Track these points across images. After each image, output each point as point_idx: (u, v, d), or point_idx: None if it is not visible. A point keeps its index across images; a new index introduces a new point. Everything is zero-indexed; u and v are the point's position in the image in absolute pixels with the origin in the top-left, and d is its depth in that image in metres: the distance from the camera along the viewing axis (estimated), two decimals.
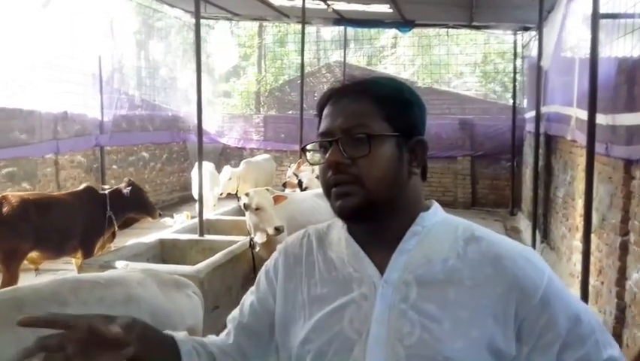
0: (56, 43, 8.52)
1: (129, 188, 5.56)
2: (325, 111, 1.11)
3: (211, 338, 1.26)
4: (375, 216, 1.07)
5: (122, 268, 4.36)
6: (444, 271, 1.04)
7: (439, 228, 1.09)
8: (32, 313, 1.99)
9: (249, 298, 1.25)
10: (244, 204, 4.89)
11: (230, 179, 8.55)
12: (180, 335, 1.17)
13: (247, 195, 4.96)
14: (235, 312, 1.26)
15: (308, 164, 1.24)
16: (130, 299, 2.31)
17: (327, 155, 1.06)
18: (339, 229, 1.17)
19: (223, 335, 1.26)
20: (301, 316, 1.11)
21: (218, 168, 9.26)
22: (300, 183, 7.02)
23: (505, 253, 1.05)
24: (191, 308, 2.54)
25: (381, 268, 1.06)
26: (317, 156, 1.12)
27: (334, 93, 1.12)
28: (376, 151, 1.05)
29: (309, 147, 1.17)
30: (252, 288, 1.26)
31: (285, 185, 7.46)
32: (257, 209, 4.83)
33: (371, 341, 1.02)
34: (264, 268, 1.24)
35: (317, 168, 1.22)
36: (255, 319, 1.21)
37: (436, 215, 1.11)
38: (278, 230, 4.73)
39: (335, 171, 1.05)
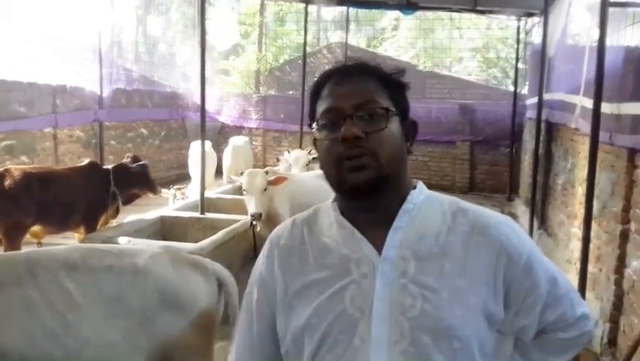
0: (56, 15, 8.42)
1: (137, 164, 5.55)
2: (326, 91, 1.13)
3: None
4: (382, 192, 1.09)
5: (125, 244, 4.38)
6: (438, 244, 1.09)
7: (426, 204, 1.14)
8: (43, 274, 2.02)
9: (250, 333, 1.22)
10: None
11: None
12: None
13: (241, 174, 4.98)
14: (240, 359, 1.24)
15: (314, 143, 1.24)
16: (137, 271, 2.30)
17: (343, 129, 1.07)
18: (327, 213, 1.18)
19: None
20: (300, 303, 1.12)
21: (216, 147, 9.25)
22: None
23: (491, 222, 1.12)
24: (207, 290, 2.45)
25: (377, 247, 1.09)
26: (324, 133, 1.12)
27: (336, 73, 1.14)
28: (390, 126, 1.09)
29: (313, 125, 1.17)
30: (247, 318, 1.23)
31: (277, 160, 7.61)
32: (244, 191, 4.86)
33: (375, 316, 1.05)
34: (255, 276, 1.22)
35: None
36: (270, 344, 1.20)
37: (421, 193, 1.16)
38: (253, 217, 4.72)
39: (349, 145, 1.06)
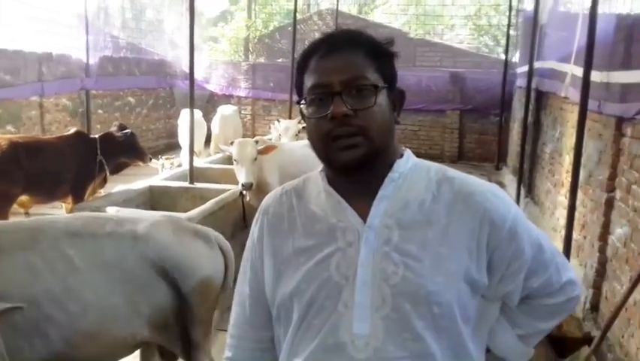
0: None
1: (123, 132, 5.50)
2: (313, 65, 1.11)
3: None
4: (372, 166, 1.11)
5: (114, 213, 4.36)
6: (421, 212, 1.10)
7: (413, 173, 1.14)
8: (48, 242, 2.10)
9: (242, 294, 1.26)
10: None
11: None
12: None
13: (231, 144, 4.96)
14: (236, 317, 1.28)
15: (301, 118, 1.23)
16: (138, 237, 2.34)
17: (332, 107, 1.07)
18: (316, 182, 1.20)
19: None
20: (289, 268, 1.14)
21: (205, 116, 9.17)
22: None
23: (476, 189, 1.12)
24: (209, 258, 2.49)
25: (363, 215, 1.11)
26: (311, 110, 1.12)
27: (323, 45, 1.12)
28: (379, 101, 1.09)
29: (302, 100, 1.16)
30: (241, 281, 1.27)
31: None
32: (235, 160, 4.84)
33: (358, 283, 1.07)
34: (249, 244, 1.26)
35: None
36: (259, 306, 1.23)
37: (408, 161, 1.16)
38: (243, 186, 4.73)
39: (339, 123, 1.06)
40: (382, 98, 1.10)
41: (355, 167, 1.09)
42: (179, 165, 6.83)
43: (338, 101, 1.06)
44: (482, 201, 1.11)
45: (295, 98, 1.25)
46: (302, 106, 1.14)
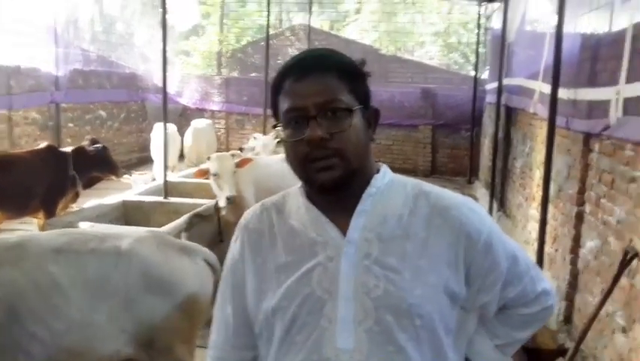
0: None
1: (95, 146, 5.42)
2: (288, 87, 1.13)
3: None
4: (349, 185, 1.13)
5: (97, 229, 4.29)
6: (400, 226, 1.12)
7: (390, 188, 1.17)
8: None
9: (224, 314, 1.25)
10: (208, 168, 4.88)
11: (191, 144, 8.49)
12: None
13: (208, 159, 4.95)
14: (217, 338, 1.26)
15: (277, 138, 1.25)
16: (121, 253, 2.32)
17: (308, 131, 1.08)
18: (296, 198, 1.21)
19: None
20: (271, 285, 1.15)
21: (179, 130, 9.10)
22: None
23: (451, 204, 1.15)
24: (194, 274, 2.47)
25: (342, 230, 1.13)
26: (287, 132, 1.13)
27: (296, 69, 1.13)
28: (354, 123, 1.11)
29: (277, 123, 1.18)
30: (221, 300, 1.26)
31: (241, 149, 7.42)
32: (214, 175, 4.82)
33: (340, 297, 1.09)
34: (229, 262, 1.25)
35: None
36: (243, 322, 1.22)
37: (385, 176, 1.19)
38: (229, 200, 4.71)
39: (315, 146, 1.09)
40: (357, 119, 1.12)
41: (333, 187, 1.11)
42: (153, 180, 6.74)
43: (314, 124, 1.08)
44: (458, 215, 1.13)
45: (269, 112, 1.27)
46: (278, 128, 1.16)
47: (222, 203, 4.91)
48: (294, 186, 1.24)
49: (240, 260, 1.21)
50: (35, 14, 8.86)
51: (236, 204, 4.87)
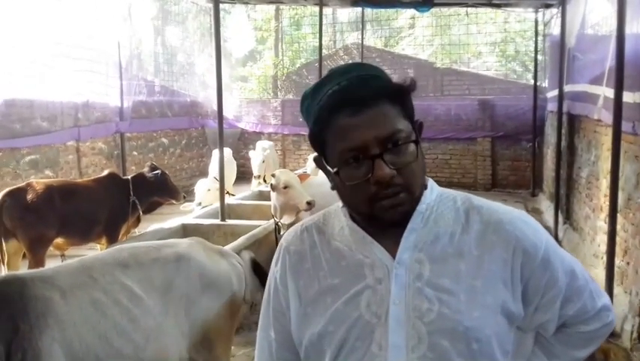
0: (75, 30, 8.58)
1: (154, 172, 5.61)
2: (339, 123, 1.04)
3: None
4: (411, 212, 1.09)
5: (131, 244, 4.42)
6: (452, 244, 1.06)
7: (439, 203, 1.11)
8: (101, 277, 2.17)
9: (267, 338, 1.21)
10: (271, 184, 4.97)
11: (263, 161, 8.63)
12: None
13: (273, 175, 5.04)
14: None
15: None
16: (180, 258, 2.47)
17: (374, 170, 1.01)
18: (338, 217, 1.16)
19: None
20: (316, 309, 1.10)
21: (236, 154, 9.30)
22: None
23: (505, 218, 1.09)
24: (235, 275, 2.68)
25: (390, 250, 1.07)
26: (346, 173, 1.05)
27: (346, 102, 1.04)
28: (418, 154, 1.06)
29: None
30: (264, 323, 1.22)
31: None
32: (285, 187, 4.90)
33: (391, 322, 1.03)
34: (271, 284, 1.20)
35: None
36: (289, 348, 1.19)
37: (433, 192, 1.13)
38: (310, 204, 4.80)
39: (385, 186, 1.02)
40: (415, 146, 1.06)
41: (401, 222, 1.07)
42: (199, 204, 6.86)
43: (380, 163, 1.01)
44: (513, 230, 1.07)
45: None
46: (333, 170, 1.07)
47: (287, 220, 4.97)
48: (334, 205, 1.19)
49: (281, 283, 1.17)
50: (101, 49, 9.35)
51: (292, 224, 4.90)
